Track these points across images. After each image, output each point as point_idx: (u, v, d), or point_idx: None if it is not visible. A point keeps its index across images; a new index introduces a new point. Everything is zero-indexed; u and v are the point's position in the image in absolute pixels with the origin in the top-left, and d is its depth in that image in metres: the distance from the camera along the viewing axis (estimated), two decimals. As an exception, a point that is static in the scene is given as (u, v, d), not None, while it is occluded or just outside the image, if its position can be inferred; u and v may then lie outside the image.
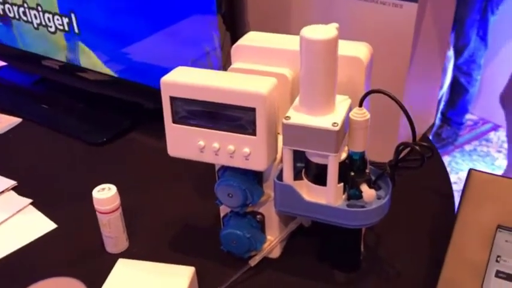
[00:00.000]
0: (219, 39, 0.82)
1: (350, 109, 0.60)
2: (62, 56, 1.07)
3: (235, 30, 0.83)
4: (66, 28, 1.02)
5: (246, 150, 0.60)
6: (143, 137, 1.02)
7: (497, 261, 0.62)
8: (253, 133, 0.59)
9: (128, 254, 0.73)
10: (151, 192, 0.86)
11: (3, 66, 1.31)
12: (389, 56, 0.76)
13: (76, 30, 1.00)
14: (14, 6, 1.08)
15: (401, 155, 0.61)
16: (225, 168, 0.66)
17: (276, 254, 0.71)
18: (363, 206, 0.62)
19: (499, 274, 0.61)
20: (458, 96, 2.59)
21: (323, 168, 0.59)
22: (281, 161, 0.63)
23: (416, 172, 0.62)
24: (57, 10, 1.01)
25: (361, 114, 0.58)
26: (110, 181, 0.72)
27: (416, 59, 0.78)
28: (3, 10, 1.11)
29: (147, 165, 0.93)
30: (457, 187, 0.83)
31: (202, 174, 0.74)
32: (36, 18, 1.06)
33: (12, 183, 0.88)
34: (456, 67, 2.52)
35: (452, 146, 2.70)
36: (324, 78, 0.56)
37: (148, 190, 0.86)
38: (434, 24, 0.81)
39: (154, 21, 0.89)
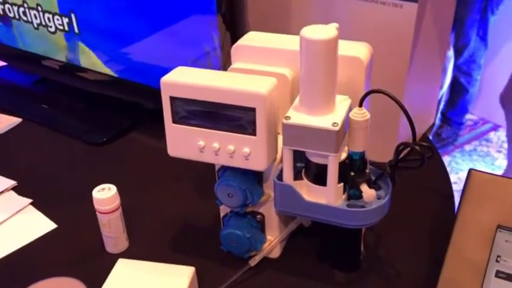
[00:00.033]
0: (219, 39, 0.82)
1: (350, 109, 0.60)
2: (62, 56, 1.07)
3: (235, 30, 0.83)
4: (66, 28, 1.02)
5: (246, 150, 0.60)
6: (143, 137, 1.02)
7: (497, 261, 0.62)
8: (253, 133, 0.59)
9: (128, 254, 0.73)
10: (151, 192, 0.86)
11: (3, 66, 1.31)
12: (389, 56, 0.76)
13: (76, 30, 1.00)
14: (14, 6, 1.08)
15: (401, 155, 0.61)
16: (225, 168, 0.66)
17: (276, 254, 0.71)
18: (362, 206, 0.62)
19: (499, 274, 0.61)
20: (458, 96, 2.59)
21: (323, 168, 0.59)
22: (281, 161, 0.63)
23: (416, 172, 0.62)
24: (57, 10, 1.01)
25: (361, 114, 0.58)
26: (110, 181, 0.72)
27: (416, 59, 0.78)
28: (3, 10, 1.11)
29: (147, 165, 0.93)
30: (457, 187, 0.83)
31: (202, 174, 0.74)
32: (36, 18, 1.06)
33: (12, 183, 0.88)
34: (456, 67, 2.52)
35: (452, 146, 2.70)
36: (324, 78, 0.56)
37: (148, 190, 0.86)
38: (435, 24, 0.81)
39: (154, 21, 0.89)
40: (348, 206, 0.62)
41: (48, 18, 1.03)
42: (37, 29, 1.07)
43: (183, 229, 0.77)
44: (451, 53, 2.44)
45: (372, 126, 0.59)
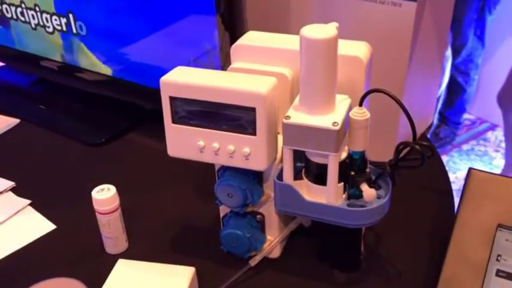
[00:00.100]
0: (218, 40, 0.82)
1: (350, 108, 0.60)
2: (60, 57, 1.07)
3: (234, 30, 0.83)
4: (64, 28, 1.02)
5: (246, 150, 0.60)
6: (142, 137, 1.02)
7: (497, 260, 0.62)
8: (253, 133, 0.59)
9: (128, 255, 0.73)
10: (150, 192, 0.86)
11: (1, 67, 1.31)
12: (389, 55, 0.76)
13: (74, 30, 1.00)
14: (11, 7, 1.08)
15: (401, 155, 0.61)
16: (224, 168, 0.65)
17: (276, 254, 0.71)
18: (363, 206, 0.62)
19: (499, 273, 0.61)
20: (456, 96, 2.60)
21: (323, 168, 0.59)
22: (281, 160, 0.63)
23: (415, 171, 0.62)
24: (55, 10, 1.01)
25: (361, 114, 0.58)
26: (109, 182, 0.71)
27: (416, 58, 0.78)
28: (1, 11, 1.10)
29: (146, 165, 0.93)
30: (454, 186, 0.83)
31: (202, 175, 0.74)
32: (34, 18, 1.05)
33: (10, 184, 0.88)
34: (454, 66, 2.52)
35: (450, 145, 2.70)
36: (324, 77, 0.56)
37: (147, 190, 0.86)
38: (433, 23, 0.81)
39: (152, 22, 0.89)
40: (348, 205, 0.62)
41: (46, 19, 1.03)
42: (35, 29, 1.07)
43: (182, 229, 0.77)
44: (448, 52, 2.44)
45: (371, 125, 0.59)
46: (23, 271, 0.72)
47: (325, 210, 0.62)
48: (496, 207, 0.65)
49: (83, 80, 1.06)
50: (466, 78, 2.53)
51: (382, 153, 0.70)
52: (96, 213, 0.70)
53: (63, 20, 1.01)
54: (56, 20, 1.02)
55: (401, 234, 0.74)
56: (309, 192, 0.62)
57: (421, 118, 0.93)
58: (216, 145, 0.61)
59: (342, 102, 0.60)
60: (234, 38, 0.80)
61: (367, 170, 0.62)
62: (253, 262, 0.68)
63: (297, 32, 0.56)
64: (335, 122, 0.56)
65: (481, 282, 0.61)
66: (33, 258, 0.74)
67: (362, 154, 0.61)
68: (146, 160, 0.94)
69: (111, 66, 1.00)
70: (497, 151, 2.69)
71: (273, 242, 0.69)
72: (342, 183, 0.61)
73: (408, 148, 0.60)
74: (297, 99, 0.60)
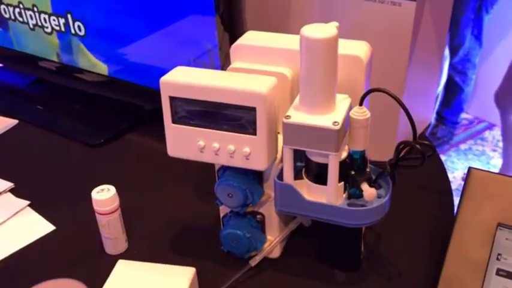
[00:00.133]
0: (217, 40, 0.82)
1: (350, 108, 0.60)
2: (58, 57, 1.07)
3: (233, 30, 0.83)
4: (63, 29, 1.01)
5: (246, 149, 0.60)
6: (141, 138, 1.02)
7: (497, 259, 0.62)
8: (254, 133, 0.59)
9: (128, 255, 0.73)
10: (150, 193, 0.86)
11: (-2, 68, 1.31)
12: (388, 54, 0.76)
13: (73, 30, 1.00)
14: (9, 7, 1.07)
15: (401, 154, 0.61)
16: (224, 168, 0.65)
17: (276, 254, 0.71)
18: (363, 205, 0.62)
19: (499, 272, 0.61)
20: (454, 96, 2.60)
21: (323, 168, 0.59)
22: (281, 160, 0.63)
23: (414, 171, 0.62)
24: (52, 11, 1.01)
25: (361, 113, 0.58)
26: (108, 182, 0.71)
27: (415, 57, 0.78)
28: (-1, 11, 1.10)
29: (145, 166, 0.93)
30: (452, 186, 0.83)
31: (202, 175, 0.74)
32: (32, 19, 1.05)
33: (9, 185, 0.88)
34: (451, 66, 2.53)
35: (448, 145, 2.71)
36: (325, 77, 0.56)
37: (147, 191, 0.86)
38: (433, 23, 0.81)
39: (151, 22, 0.89)
40: (348, 205, 0.62)
41: (44, 19, 1.03)
42: (33, 29, 1.07)
43: (182, 230, 0.77)
44: (446, 52, 2.44)
45: (370, 125, 0.59)
46: (22, 272, 0.71)
47: (326, 210, 0.62)
48: (496, 206, 0.65)
49: (81, 80, 1.06)
50: (464, 77, 2.53)
51: (381, 152, 0.70)
52: (96, 214, 0.70)
53: (62, 21, 1.00)
54: (54, 20, 1.01)
55: (402, 234, 0.74)
56: (309, 191, 0.62)
57: (420, 117, 0.93)
58: (216, 145, 0.61)
59: (342, 101, 0.60)
60: (233, 38, 0.80)
61: (368, 170, 0.62)
62: (253, 262, 0.68)
63: (296, 32, 0.56)
64: (335, 122, 0.56)
65: (482, 282, 0.61)
66: (32, 259, 0.74)
67: (362, 153, 0.61)
68: (146, 160, 0.94)
69: (110, 67, 1.00)
70: (494, 150, 2.69)
71: (273, 242, 0.69)
72: (342, 183, 0.61)
73: (408, 147, 0.60)
74: (297, 99, 0.60)
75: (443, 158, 2.62)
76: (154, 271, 0.64)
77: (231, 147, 0.61)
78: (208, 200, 0.75)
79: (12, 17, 1.08)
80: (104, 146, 0.99)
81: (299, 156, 0.63)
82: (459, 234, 0.65)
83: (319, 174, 0.61)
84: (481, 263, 0.62)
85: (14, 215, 0.82)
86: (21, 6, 1.05)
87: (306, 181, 0.62)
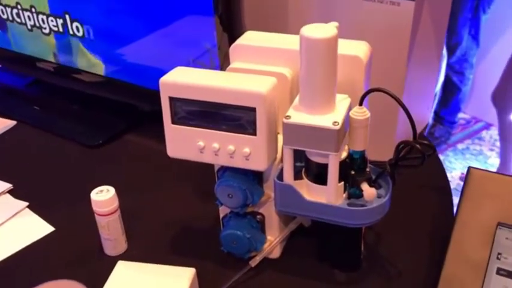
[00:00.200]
0: (216, 40, 0.82)
1: (350, 108, 0.60)
2: (56, 58, 1.07)
3: (232, 30, 0.83)
4: (61, 29, 1.01)
5: (246, 150, 0.60)
6: (139, 138, 1.01)
7: (498, 258, 0.62)
8: (254, 133, 0.59)
9: (127, 256, 0.72)
10: (149, 193, 0.85)
11: (-4, 69, 1.30)
12: (387, 54, 0.76)
13: (71, 31, 1.00)
14: (7, 8, 1.07)
15: (401, 154, 0.61)
16: (224, 169, 0.65)
17: (276, 254, 0.70)
18: (363, 205, 0.62)
19: (500, 271, 0.61)
20: (451, 95, 2.60)
21: (323, 168, 0.59)
22: (281, 160, 0.63)
23: (413, 171, 0.62)
24: (49, 11, 1.00)
25: (361, 113, 0.58)
26: (107, 183, 0.71)
27: (414, 57, 0.78)
28: (-4, 12, 1.10)
29: (144, 166, 0.93)
30: (450, 185, 0.84)
31: (201, 175, 0.74)
32: (30, 19, 1.05)
33: (7, 186, 0.88)
34: (448, 66, 2.53)
35: (445, 144, 2.71)
36: (324, 77, 0.56)
37: (146, 192, 0.86)
38: (432, 22, 0.81)
39: (150, 22, 0.89)
40: (348, 205, 0.61)
41: (42, 20, 1.03)
42: (31, 30, 1.06)
43: (182, 230, 0.77)
44: (443, 51, 2.45)
45: (370, 125, 0.59)
46: (21, 274, 0.71)
47: (326, 210, 0.62)
48: (496, 206, 0.66)
49: (79, 81, 1.05)
50: (461, 77, 2.53)
51: (380, 152, 0.70)
52: (95, 215, 0.70)
53: (60, 21, 1.00)
54: (52, 21, 1.01)
55: (401, 234, 0.74)
56: (309, 192, 0.62)
57: (419, 117, 0.93)
58: (216, 145, 0.61)
59: (342, 101, 0.60)
60: (232, 38, 0.80)
61: (367, 170, 0.62)
62: (253, 263, 0.68)
63: (295, 32, 0.56)
64: (335, 122, 0.56)
65: (482, 281, 0.61)
66: (31, 260, 0.73)
67: (362, 153, 0.61)
68: (145, 161, 0.94)
69: (109, 67, 0.99)
70: (492, 150, 2.70)
71: (273, 242, 0.69)
72: (342, 183, 0.61)
73: (408, 147, 0.60)
74: (296, 99, 0.60)
75: (441, 157, 2.62)
76: (154, 272, 0.64)
77: (231, 147, 0.60)
78: (207, 200, 0.75)
79: (10, 18, 1.08)
80: (103, 146, 0.99)
81: (299, 156, 0.63)
82: (459, 234, 0.65)
83: (319, 174, 0.61)
84: (481, 262, 0.62)
85: (12, 216, 0.81)
86: (19, 7, 1.05)
87: (305, 181, 0.62)
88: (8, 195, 0.86)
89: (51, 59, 1.07)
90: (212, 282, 0.66)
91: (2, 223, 0.80)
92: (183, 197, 0.84)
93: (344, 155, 0.60)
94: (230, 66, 0.66)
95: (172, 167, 0.84)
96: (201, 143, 0.62)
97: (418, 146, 0.58)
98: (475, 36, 2.41)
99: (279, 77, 0.62)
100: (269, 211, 0.67)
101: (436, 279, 0.63)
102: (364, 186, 0.60)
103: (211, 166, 0.67)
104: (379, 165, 0.64)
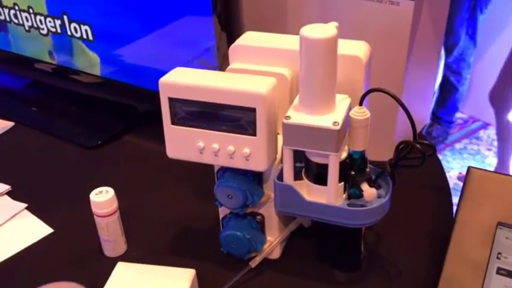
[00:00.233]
0: (215, 40, 0.82)
1: (350, 108, 0.59)
2: (54, 59, 1.06)
3: (231, 30, 0.82)
4: (59, 30, 1.01)
5: (246, 150, 0.60)
6: (138, 139, 1.01)
7: (498, 258, 0.62)
8: (253, 133, 0.59)
9: (127, 257, 0.72)
10: (148, 194, 0.85)
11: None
12: (387, 54, 0.76)
13: (69, 32, 1.00)
14: (4, 9, 1.07)
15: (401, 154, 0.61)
16: (224, 170, 0.65)
17: (276, 254, 0.70)
18: (363, 205, 0.62)
19: (500, 271, 0.61)
20: (448, 95, 2.61)
21: (323, 168, 0.59)
22: (281, 161, 0.63)
23: (413, 171, 0.62)
24: (47, 12, 1.00)
25: (361, 113, 0.58)
26: (106, 184, 0.71)
27: (413, 57, 0.79)
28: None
29: (143, 167, 0.92)
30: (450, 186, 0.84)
31: (201, 176, 0.74)
32: (27, 20, 1.05)
33: (6, 187, 0.87)
34: (446, 66, 2.53)
35: (443, 144, 2.71)
36: (324, 77, 0.56)
37: (145, 192, 0.86)
38: (431, 22, 0.81)
39: (149, 23, 0.88)
40: (348, 205, 0.61)
41: (40, 21, 1.02)
42: (29, 31, 1.06)
43: (182, 231, 0.77)
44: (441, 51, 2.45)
45: (369, 125, 0.59)
46: (20, 276, 0.71)
47: (326, 210, 0.61)
48: (496, 205, 0.66)
49: (78, 82, 1.05)
50: (458, 77, 2.54)
51: (379, 152, 0.70)
52: (95, 216, 0.70)
53: (58, 22, 1.00)
54: (50, 21, 1.01)
55: (401, 234, 0.74)
56: (309, 192, 0.62)
57: (418, 117, 0.93)
58: (216, 146, 0.61)
59: (342, 101, 0.59)
60: (231, 38, 0.80)
61: (367, 170, 0.62)
62: (253, 263, 0.67)
63: (294, 32, 0.56)
64: (335, 122, 0.56)
65: (482, 281, 0.61)
66: (31, 262, 0.73)
67: (362, 154, 0.61)
68: (144, 162, 0.94)
69: (107, 68, 0.99)
70: (489, 150, 2.70)
71: (273, 242, 0.68)
72: (342, 183, 0.61)
73: (408, 147, 0.60)
74: (296, 99, 0.60)
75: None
76: (154, 273, 0.64)
77: (231, 148, 0.60)
78: (207, 201, 0.74)
79: (8, 19, 1.08)
80: (101, 147, 0.99)
81: (299, 156, 0.62)
82: (459, 234, 0.65)
83: (319, 175, 0.60)
84: (481, 262, 0.62)
85: (11, 218, 0.81)
86: (16, 8, 1.05)
87: (305, 182, 0.62)
88: (6, 196, 0.86)
89: (49, 60, 1.07)
90: (212, 283, 0.66)
91: (1, 225, 0.80)
92: (183, 198, 0.84)
93: (344, 155, 0.60)
94: (229, 66, 0.66)
95: (172, 168, 0.84)
96: (201, 144, 0.61)
97: (418, 145, 0.58)
98: (472, 36, 2.41)
99: (278, 77, 0.62)
100: (269, 212, 0.67)
101: (436, 279, 0.63)
102: (364, 187, 0.60)
103: (210, 167, 0.66)
104: (379, 165, 0.64)
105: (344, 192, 0.62)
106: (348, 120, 0.59)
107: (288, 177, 0.62)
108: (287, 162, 0.61)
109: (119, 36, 0.94)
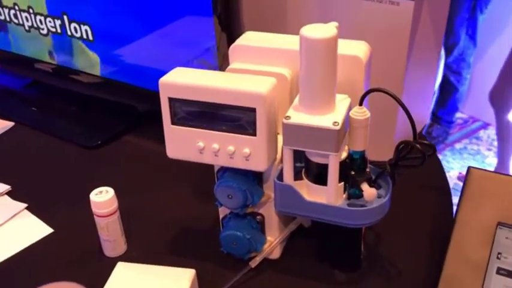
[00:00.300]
0: (215, 40, 0.82)
1: (350, 108, 0.59)
2: (55, 59, 1.06)
3: (231, 31, 0.82)
4: (59, 30, 1.01)
5: (246, 150, 0.60)
6: (138, 139, 1.01)
7: (498, 258, 0.62)
8: (254, 133, 0.59)
9: (127, 257, 0.72)
10: (148, 194, 0.85)
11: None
12: (387, 54, 0.76)
13: (69, 32, 1.00)
14: (4, 9, 1.07)
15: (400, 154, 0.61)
16: (224, 170, 0.65)
17: (276, 254, 0.70)
18: (363, 205, 0.62)
19: (500, 271, 0.61)
20: (448, 95, 2.61)
21: (323, 168, 0.59)
22: (281, 161, 0.63)
23: (413, 171, 0.62)
24: (47, 12, 1.00)
25: (361, 113, 0.58)
26: (106, 184, 0.71)
27: (413, 57, 0.79)
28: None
29: (143, 167, 0.92)
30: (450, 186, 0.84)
31: (201, 176, 0.74)
32: (27, 20, 1.05)
33: (6, 187, 0.87)
34: (446, 66, 2.53)
35: (443, 144, 2.71)
36: (324, 77, 0.56)
37: (145, 192, 0.86)
38: (431, 22, 0.81)
39: (149, 23, 0.88)
40: (348, 205, 0.61)
41: (40, 21, 1.02)
42: (28, 31, 1.06)
43: (182, 231, 0.77)
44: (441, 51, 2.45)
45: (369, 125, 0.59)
46: (20, 276, 0.71)
47: (326, 210, 0.61)
48: (496, 205, 0.66)
49: (78, 82, 1.05)
50: (458, 77, 2.54)
51: (379, 152, 0.70)
52: (95, 216, 0.70)
53: (58, 22, 1.00)
54: (50, 22, 1.01)
55: (401, 234, 0.74)
56: (309, 192, 0.62)
57: (419, 117, 0.93)
58: (216, 146, 0.61)
59: (342, 101, 0.59)
60: (231, 38, 0.80)
61: (367, 170, 0.62)
62: (253, 263, 0.67)
63: (294, 32, 0.56)
64: (335, 122, 0.56)
65: (482, 281, 0.61)
66: (31, 262, 0.73)
67: (362, 154, 0.61)
68: (144, 162, 0.94)
69: (107, 68, 0.99)
70: (489, 149, 2.70)
71: (273, 242, 0.68)
72: (342, 183, 0.61)
73: (409, 147, 0.60)
74: (296, 99, 0.60)
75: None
76: (154, 273, 0.64)
77: (231, 148, 0.60)
78: (207, 201, 0.74)
79: (8, 19, 1.08)
80: (101, 147, 0.99)
81: (299, 156, 0.62)
82: (459, 234, 0.65)
83: (319, 175, 0.60)
84: (481, 262, 0.62)
85: (11, 218, 0.81)
86: (16, 8, 1.05)
87: (305, 182, 0.62)
88: (6, 196, 0.86)
89: (49, 60, 1.07)
90: (212, 283, 0.66)
91: (1, 225, 0.80)
92: (183, 198, 0.84)
93: (344, 155, 0.60)
94: (229, 66, 0.66)
95: (172, 168, 0.84)
96: (201, 144, 0.61)
97: (418, 145, 0.58)
98: (472, 36, 2.41)
99: (278, 77, 0.62)
100: (269, 212, 0.67)
101: (436, 279, 0.63)
102: (364, 187, 0.60)
103: (210, 167, 0.66)
104: (379, 165, 0.64)
105: (344, 192, 0.62)
106: (348, 120, 0.59)
107: (288, 177, 0.62)
108: (287, 162, 0.61)
109: (119, 36, 0.94)
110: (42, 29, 1.03)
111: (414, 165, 0.60)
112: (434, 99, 2.65)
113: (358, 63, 0.62)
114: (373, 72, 0.67)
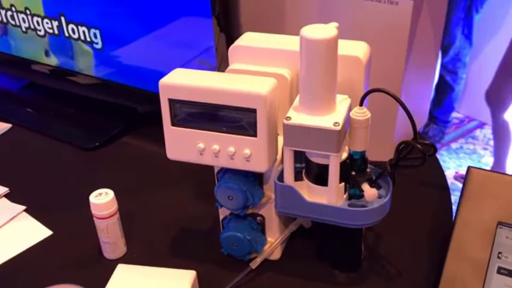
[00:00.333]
0: (214, 41, 0.82)
1: (350, 108, 0.59)
2: (52, 60, 1.06)
3: (229, 31, 0.82)
4: (56, 31, 1.01)
5: (247, 151, 0.60)
6: (136, 141, 1.01)
7: (498, 257, 0.62)
8: (254, 134, 0.59)
9: (127, 259, 0.72)
10: (147, 196, 0.85)
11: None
12: (386, 53, 0.76)
13: (66, 33, 0.99)
14: (1, 10, 1.06)
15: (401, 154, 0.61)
16: (224, 171, 0.65)
17: (276, 255, 0.70)
18: (363, 206, 0.62)
19: (500, 270, 0.61)
20: (444, 95, 2.62)
21: (324, 168, 0.59)
22: (281, 162, 0.62)
23: (412, 171, 0.62)
24: (44, 13, 1.00)
25: (361, 114, 0.58)
26: (105, 186, 0.71)
27: (412, 56, 0.79)
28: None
29: (142, 169, 0.92)
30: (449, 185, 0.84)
31: (201, 177, 0.74)
32: (24, 22, 1.04)
33: (4, 190, 0.87)
34: (442, 66, 2.54)
35: (439, 144, 2.72)
36: (325, 77, 0.56)
37: (144, 194, 0.85)
38: (430, 22, 0.81)
39: (147, 24, 0.88)
40: (348, 205, 0.61)
41: (37, 22, 1.02)
42: (25, 32, 1.06)
43: (182, 233, 0.77)
44: (437, 51, 2.46)
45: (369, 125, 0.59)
46: (20, 279, 0.71)
47: (326, 211, 0.61)
48: (496, 205, 0.66)
49: (75, 83, 1.05)
50: (454, 77, 2.55)
51: (379, 152, 0.70)
52: (94, 218, 0.70)
53: (55, 23, 1.00)
54: (47, 23, 1.01)
55: (401, 234, 0.74)
56: (310, 193, 0.62)
57: (418, 117, 0.93)
58: (216, 147, 0.61)
59: (342, 102, 0.59)
60: (229, 39, 0.80)
61: (368, 170, 0.62)
62: (253, 264, 0.67)
63: (293, 33, 0.56)
64: (336, 122, 0.56)
65: (483, 280, 0.61)
66: (30, 265, 0.73)
67: (362, 154, 0.61)
68: (143, 163, 0.93)
69: (105, 69, 0.99)
70: (485, 149, 2.71)
71: (273, 243, 0.68)
72: (343, 184, 0.61)
73: (409, 147, 0.60)
74: (296, 100, 0.60)
75: (435, 157, 2.63)
76: (155, 275, 0.64)
77: (231, 149, 0.60)
78: (207, 202, 0.74)
79: (5, 20, 1.07)
80: (100, 149, 0.99)
81: (299, 157, 0.62)
82: (459, 234, 0.65)
83: (319, 175, 0.60)
84: (481, 262, 0.62)
85: (10, 220, 0.81)
86: (13, 9, 1.04)
87: (306, 182, 0.62)
88: (4, 199, 0.85)
89: (47, 62, 1.07)
90: (212, 285, 0.66)
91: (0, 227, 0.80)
92: (183, 199, 0.84)
93: (344, 155, 0.60)
94: (229, 67, 0.66)
95: (172, 169, 0.84)
96: (201, 145, 0.61)
97: (418, 145, 0.58)
98: (468, 36, 2.42)
99: (278, 78, 0.62)
100: (269, 212, 0.67)
101: (436, 280, 0.63)
102: (365, 187, 0.60)
103: (210, 168, 0.66)
104: (379, 165, 0.64)
105: (344, 193, 0.62)
106: (348, 120, 0.59)
107: (289, 177, 0.62)
108: (287, 163, 0.60)
109: (117, 38, 0.93)
110: (40, 30, 1.03)
111: (415, 165, 0.60)
112: (430, 99, 2.65)
113: (358, 63, 0.62)
114: (372, 72, 0.67)
